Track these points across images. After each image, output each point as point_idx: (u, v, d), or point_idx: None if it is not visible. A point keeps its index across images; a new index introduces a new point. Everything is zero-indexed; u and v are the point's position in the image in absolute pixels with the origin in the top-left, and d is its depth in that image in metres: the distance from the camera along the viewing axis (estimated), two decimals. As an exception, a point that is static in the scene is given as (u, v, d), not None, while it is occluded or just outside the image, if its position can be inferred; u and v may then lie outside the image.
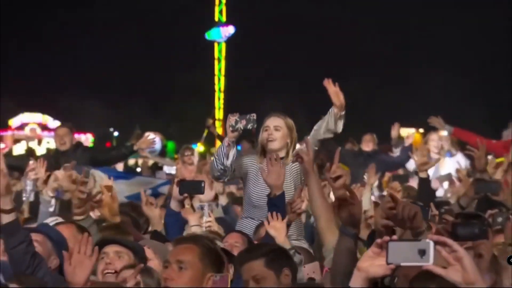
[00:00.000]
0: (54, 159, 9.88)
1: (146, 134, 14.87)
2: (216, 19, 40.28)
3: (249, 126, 6.96)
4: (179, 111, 40.03)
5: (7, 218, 5.02)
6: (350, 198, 4.15)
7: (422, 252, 3.19)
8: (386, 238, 3.30)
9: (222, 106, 40.07)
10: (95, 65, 37.15)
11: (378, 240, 3.37)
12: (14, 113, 36.54)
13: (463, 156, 12.41)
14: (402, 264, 3.25)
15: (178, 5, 38.28)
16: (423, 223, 4.19)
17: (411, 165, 12.26)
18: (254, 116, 6.95)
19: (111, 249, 5.20)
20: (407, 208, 4.15)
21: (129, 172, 10.63)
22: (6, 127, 36.39)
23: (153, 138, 11.62)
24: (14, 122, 36.78)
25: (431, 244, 3.19)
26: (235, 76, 39.01)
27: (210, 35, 39.88)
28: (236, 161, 7.15)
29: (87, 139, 34.86)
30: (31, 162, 7.71)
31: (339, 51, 37.44)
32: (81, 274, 4.36)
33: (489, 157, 9.19)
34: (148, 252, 5.44)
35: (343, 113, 7.18)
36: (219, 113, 39.16)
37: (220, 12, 40.31)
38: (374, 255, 3.38)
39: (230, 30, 39.60)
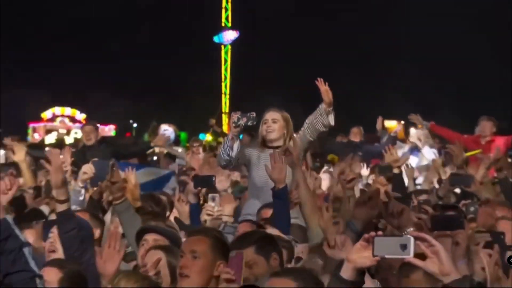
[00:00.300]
0: (81, 153, 10.05)
1: (162, 127, 14.93)
2: (223, 24, 40.32)
3: (250, 123, 7.05)
4: (191, 105, 40.06)
5: (61, 207, 5.17)
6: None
7: (404, 247, 3.20)
8: (373, 233, 3.31)
9: (228, 101, 40.18)
10: (117, 64, 37.15)
11: (366, 235, 3.37)
12: (46, 107, 36.58)
13: (430, 149, 12.44)
14: (386, 256, 3.27)
15: (192, 12, 38.32)
16: (410, 222, 4.17)
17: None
18: (254, 114, 7.03)
19: (150, 237, 5.23)
20: (396, 205, 4.17)
21: (137, 164, 10.68)
22: (39, 119, 36.46)
23: (167, 136, 11.82)
24: (46, 114, 36.85)
25: (412, 239, 3.21)
26: (239, 75, 39.11)
27: (217, 38, 40.00)
28: (240, 152, 7.28)
29: (109, 129, 34.95)
30: (61, 156, 7.70)
31: (336, 51, 37.28)
32: (111, 267, 4.39)
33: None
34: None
35: (331, 108, 7.22)
36: (225, 107, 39.31)
37: (226, 18, 40.34)
38: (362, 248, 3.38)
39: (234, 34, 39.75)
